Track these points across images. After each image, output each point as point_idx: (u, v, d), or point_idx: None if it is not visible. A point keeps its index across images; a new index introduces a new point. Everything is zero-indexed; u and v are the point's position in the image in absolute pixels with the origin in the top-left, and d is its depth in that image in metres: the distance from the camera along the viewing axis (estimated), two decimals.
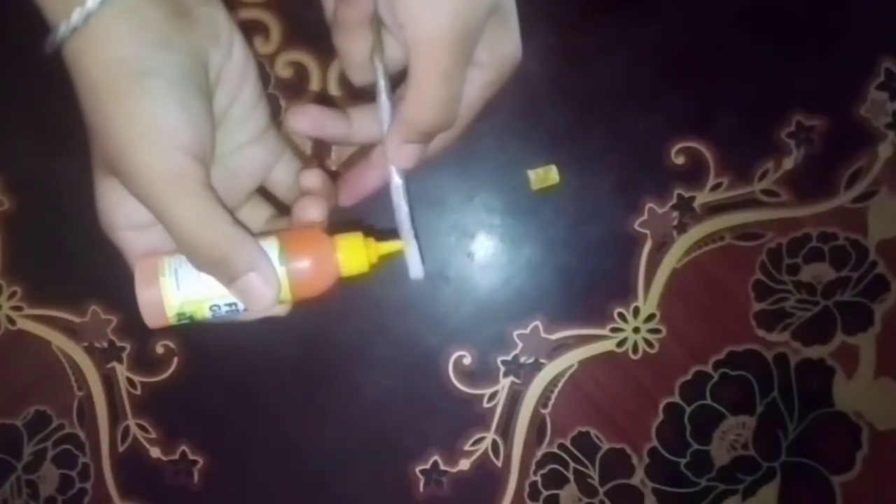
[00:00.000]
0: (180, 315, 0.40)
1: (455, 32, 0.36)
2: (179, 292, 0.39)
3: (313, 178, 0.43)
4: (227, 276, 0.38)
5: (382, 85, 0.41)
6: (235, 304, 0.40)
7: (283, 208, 0.47)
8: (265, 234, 0.41)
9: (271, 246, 0.40)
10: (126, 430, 0.73)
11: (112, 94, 0.35)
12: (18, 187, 0.71)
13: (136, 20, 0.36)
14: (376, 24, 0.41)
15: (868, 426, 0.72)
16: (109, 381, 0.73)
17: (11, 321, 0.72)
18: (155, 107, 0.35)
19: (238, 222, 0.38)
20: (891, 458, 0.72)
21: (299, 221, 0.42)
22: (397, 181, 0.42)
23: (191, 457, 0.73)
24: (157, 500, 0.74)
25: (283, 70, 0.70)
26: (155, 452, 0.73)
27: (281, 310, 0.42)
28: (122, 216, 0.39)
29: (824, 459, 0.72)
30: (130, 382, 0.73)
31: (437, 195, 0.71)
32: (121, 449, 0.73)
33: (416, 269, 0.43)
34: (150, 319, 0.40)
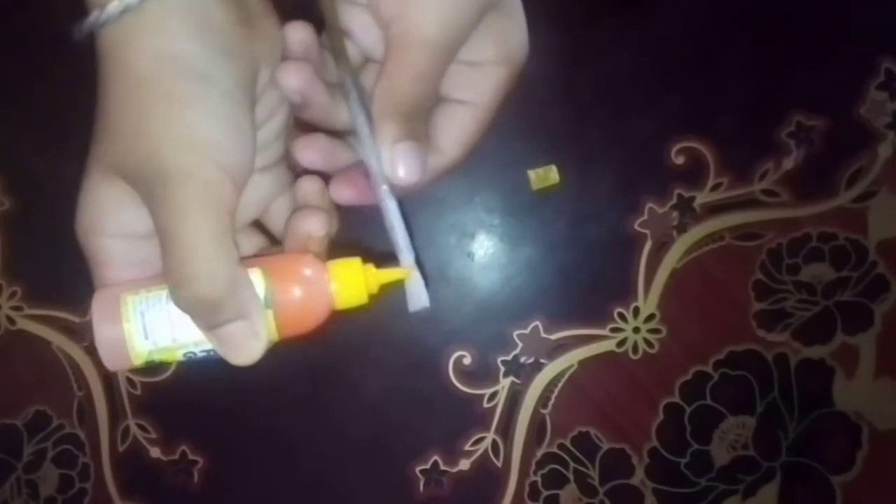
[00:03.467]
0: (148, 363, 0.35)
1: (445, 33, 0.35)
2: (147, 341, 0.34)
3: (310, 185, 0.38)
4: (210, 320, 0.33)
5: (357, 102, 0.37)
6: (214, 350, 0.35)
7: (275, 243, 0.42)
8: (247, 260, 0.35)
9: (255, 278, 0.34)
10: (126, 430, 0.73)
11: (160, 93, 0.32)
12: (18, 187, 0.71)
13: (200, 16, 0.32)
14: (339, 36, 0.38)
15: (868, 426, 0.72)
16: (109, 381, 0.73)
17: (11, 321, 0.72)
18: (207, 117, 0.32)
19: (240, 262, 0.34)
20: (891, 458, 0.72)
21: (296, 236, 0.38)
22: (390, 202, 0.37)
23: (191, 457, 0.73)
24: (157, 500, 0.74)
25: None
26: (155, 452, 0.73)
27: None
28: (116, 222, 0.35)
29: (824, 459, 0.72)
30: (130, 382, 0.73)
31: (437, 195, 0.71)
32: (121, 449, 0.73)
33: (417, 300, 0.38)
34: (113, 365, 0.34)
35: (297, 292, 0.35)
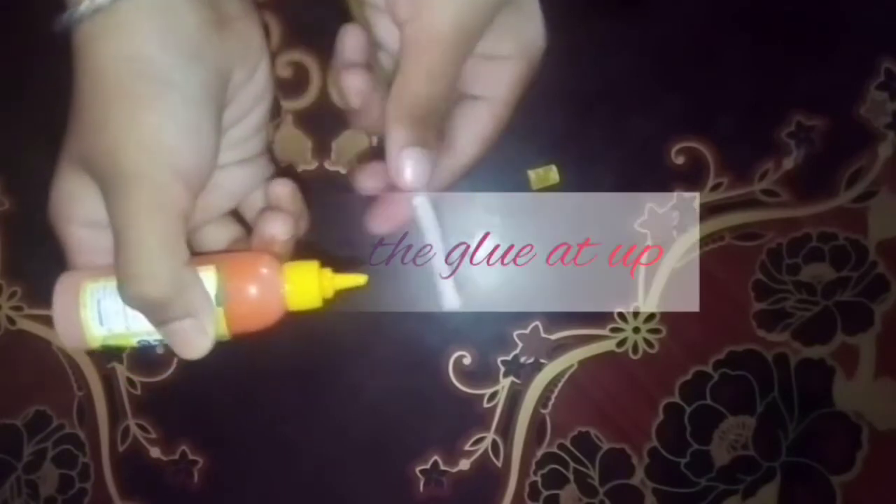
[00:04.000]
0: (104, 347, 0.36)
1: (459, 30, 0.35)
2: (102, 328, 0.35)
3: (282, 189, 0.39)
4: (157, 317, 0.34)
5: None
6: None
7: (251, 232, 0.43)
8: (206, 256, 0.37)
9: (209, 276, 0.35)
10: (126, 430, 0.73)
11: (121, 94, 0.32)
12: (18, 187, 0.71)
13: (168, 19, 0.33)
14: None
15: (868, 426, 0.72)
16: (109, 381, 0.73)
17: (11, 321, 0.72)
18: (165, 123, 0.33)
19: (190, 262, 0.34)
20: (891, 458, 0.72)
21: (261, 237, 0.39)
22: (423, 204, 0.37)
23: (191, 457, 0.73)
24: (157, 500, 0.73)
25: (283, 70, 0.70)
26: (155, 452, 0.73)
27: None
28: (81, 211, 0.36)
29: (824, 459, 0.72)
30: (130, 382, 0.73)
31: (437, 195, 0.71)
32: (121, 449, 0.73)
33: (449, 301, 0.38)
34: (69, 344, 0.36)
35: (249, 291, 0.36)
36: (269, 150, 0.42)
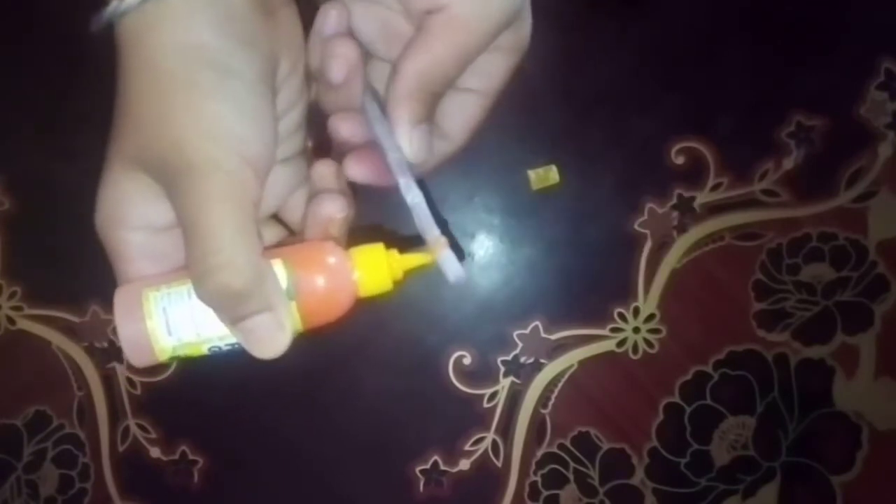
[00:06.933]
0: (174, 358, 0.35)
1: (499, 23, 0.35)
2: (171, 337, 0.34)
3: (326, 168, 0.38)
4: (234, 312, 0.33)
5: (369, 91, 0.37)
6: (239, 344, 0.35)
7: (293, 235, 0.42)
8: (268, 250, 0.35)
9: (278, 270, 0.34)
10: (126, 430, 0.73)
11: (181, 84, 0.32)
12: (18, 187, 0.71)
13: (222, 6, 0.32)
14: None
15: (868, 426, 0.72)
16: (109, 381, 0.73)
17: (11, 321, 0.72)
18: (230, 109, 0.32)
19: (263, 254, 0.33)
20: (891, 458, 0.72)
21: (316, 221, 0.37)
22: (409, 179, 0.36)
23: (191, 457, 0.73)
24: (157, 500, 0.74)
25: None
26: (155, 452, 0.73)
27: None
28: (136, 214, 0.35)
29: (824, 459, 0.72)
30: (130, 382, 0.73)
31: (438, 195, 0.71)
32: (121, 449, 0.73)
33: (453, 272, 0.36)
34: (138, 361, 0.34)
35: (320, 281, 0.34)
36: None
